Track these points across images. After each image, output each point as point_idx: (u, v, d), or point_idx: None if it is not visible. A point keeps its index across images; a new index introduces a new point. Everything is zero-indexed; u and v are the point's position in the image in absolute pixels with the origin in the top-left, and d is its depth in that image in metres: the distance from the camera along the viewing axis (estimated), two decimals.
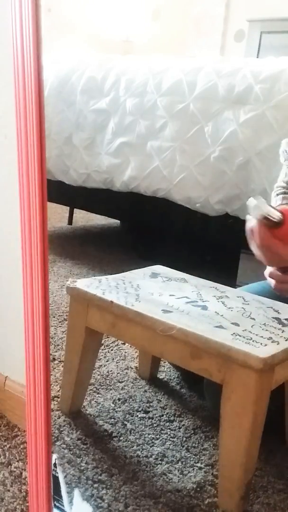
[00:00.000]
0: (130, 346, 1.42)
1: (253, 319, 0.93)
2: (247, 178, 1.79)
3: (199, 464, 0.98)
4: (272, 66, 1.84)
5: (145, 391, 1.22)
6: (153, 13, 4.20)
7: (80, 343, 1.04)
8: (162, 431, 1.07)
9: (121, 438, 1.04)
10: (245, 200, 1.78)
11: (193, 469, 0.97)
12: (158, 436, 1.05)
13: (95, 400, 1.16)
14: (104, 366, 1.32)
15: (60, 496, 0.75)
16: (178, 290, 1.04)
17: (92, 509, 0.84)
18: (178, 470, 0.96)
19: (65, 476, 0.91)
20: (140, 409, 1.14)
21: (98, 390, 1.20)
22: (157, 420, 1.11)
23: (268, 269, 1.04)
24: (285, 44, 3.49)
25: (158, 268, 1.18)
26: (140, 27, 4.10)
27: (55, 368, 1.27)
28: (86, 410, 1.12)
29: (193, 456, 1.01)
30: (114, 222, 3.07)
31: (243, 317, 0.94)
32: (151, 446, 1.02)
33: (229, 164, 1.82)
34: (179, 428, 1.09)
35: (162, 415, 1.13)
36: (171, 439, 1.05)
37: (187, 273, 1.16)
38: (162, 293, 1.01)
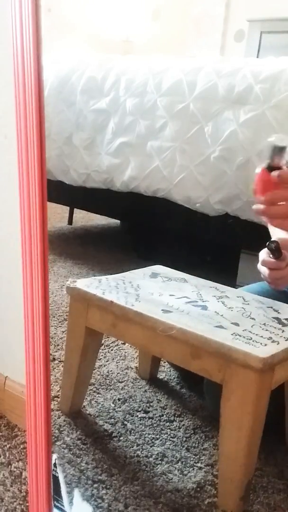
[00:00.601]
0: (130, 346, 1.42)
1: (253, 319, 0.93)
2: (247, 178, 1.79)
3: (199, 464, 0.98)
4: (272, 66, 1.84)
5: (145, 391, 1.22)
6: (153, 13, 4.19)
7: (80, 343, 1.04)
8: (162, 431, 1.07)
9: (121, 438, 1.04)
10: (245, 200, 1.80)
11: (193, 469, 0.97)
12: (158, 436, 1.05)
13: (95, 400, 1.16)
14: (104, 366, 1.32)
15: (60, 496, 0.75)
16: (178, 290, 1.04)
17: (92, 509, 0.84)
18: (178, 470, 0.96)
19: (65, 476, 0.91)
20: (140, 409, 1.14)
21: (98, 390, 1.20)
22: (157, 420, 1.11)
23: (261, 259, 1.02)
24: (285, 44, 3.50)
25: (158, 268, 1.18)
26: (140, 27, 4.10)
27: (55, 368, 1.27)
28: (86, 410, 1.12)
29: (193, 456, 1.01)
30: (114, 222, 3.07)
31: (243, 317, 0.94)
32: (151, 446, 1.02)
33: (229, 164, 1.82)
34: (179, 428, 1.09)
35: (162, 415, 1.13)
36: (171, 439, 1.05)
37: (187, 273, 1.16)
38: (162, 293, 1.01)
